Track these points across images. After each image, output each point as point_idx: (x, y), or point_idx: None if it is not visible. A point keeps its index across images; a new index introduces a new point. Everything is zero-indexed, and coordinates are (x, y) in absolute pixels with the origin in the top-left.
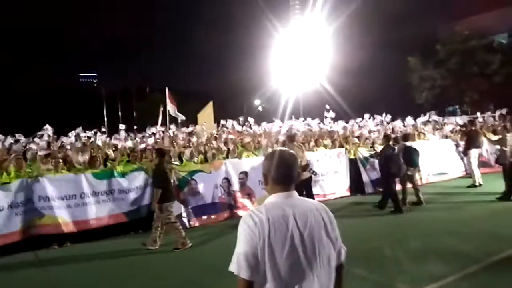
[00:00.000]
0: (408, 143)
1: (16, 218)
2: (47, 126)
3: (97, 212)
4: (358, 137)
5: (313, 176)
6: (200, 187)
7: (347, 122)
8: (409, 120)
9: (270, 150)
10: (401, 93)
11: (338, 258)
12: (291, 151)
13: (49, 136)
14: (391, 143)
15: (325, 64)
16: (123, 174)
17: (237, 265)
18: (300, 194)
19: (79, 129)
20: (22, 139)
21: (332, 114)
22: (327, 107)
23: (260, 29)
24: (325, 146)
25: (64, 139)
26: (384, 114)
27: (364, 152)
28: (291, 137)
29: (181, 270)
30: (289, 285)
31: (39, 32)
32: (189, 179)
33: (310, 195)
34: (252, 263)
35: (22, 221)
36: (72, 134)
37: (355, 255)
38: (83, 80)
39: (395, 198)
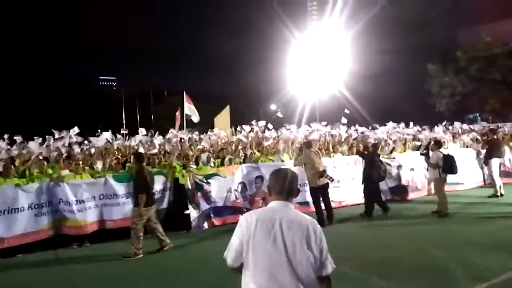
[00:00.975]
0: (443, 150)
1: (36, 218)
2: (75, 128)
3: (117, 214)
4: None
5: (330, 182)
6: (215, 191)
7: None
8: (437, 128)
9: (286, 155)
10: (420, 100)
11: (320, 269)
12: (293, 169)
13: (70, 137)
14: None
15: (343, 70)
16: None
17: (227, 252)
18: (317, 200)
19: (107, 133)
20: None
21: (344, 120)
22: (347, 111)
23: (277, 34)
24: (342, 152)
25: (87, 141)
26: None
27: (382, 159)
28: (308, 143)
29: (195, 272)
30: (266, 271)
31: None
32: (205, 182)
33: (327, 201)
34: (237, 253)
35: (43, 221)
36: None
37: (371, 263)
38: (103, 83)
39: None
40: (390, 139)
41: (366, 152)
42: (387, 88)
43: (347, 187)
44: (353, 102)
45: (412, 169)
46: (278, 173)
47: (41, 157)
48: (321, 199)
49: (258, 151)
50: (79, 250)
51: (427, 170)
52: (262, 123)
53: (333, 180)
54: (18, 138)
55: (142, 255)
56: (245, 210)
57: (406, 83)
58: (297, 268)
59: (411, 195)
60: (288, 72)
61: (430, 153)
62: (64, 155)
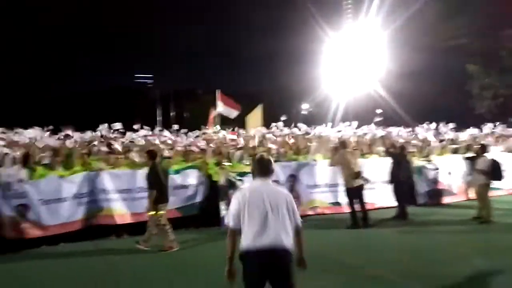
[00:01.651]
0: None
1: (78, 208)
2: (117, 123)
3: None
4: (413, 145)
5: (365, 183)
6: None
7: (401, 128)
8: (472, 130)
9: (319, 154)
10: (459, 101)
11: (294, 222)
12: (268, 155)
13: (111, 132)
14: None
15: (379, 68)
16: (177, 172)
17: (228, 218)
18: (351, 201)
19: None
20: (88, 134)
21: (378, 119)
22: (379, 111)
23: (311, 33)
24: (378, 153)
25: (127, 136)
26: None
27: (419, 161)
28: (343, 143)
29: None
30: (258, 221)
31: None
32: (238, 179)
33: (362, 203)
34: (236, 217)
35: (84, 211)
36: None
37: (412, 270)
38: (139, 81)
39: None
40: (429, 141)
41: (393, 152)
42: (425, 87)
43: (381, 189)
44: (389, 101)
45: (449, 173)
46: (261, 159)
47: (83, 150)
48: (355, 200)
49: (291, 149)
50: (117, 242)
51: (470, 175)
52: (280, 124)
53: (369, 181)
54: (65, 132)
55: (177, 248)
56: None
57: (445, 82)
58: (280, 219)
59: (447, 200)
60: (322, 71)
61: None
62: (106, 149)
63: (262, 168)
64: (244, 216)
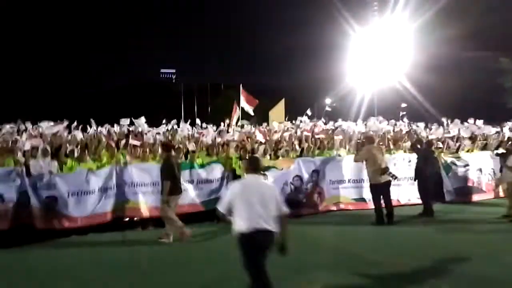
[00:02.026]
0: None
1: (106, 200)
2: (142, 118)
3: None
4: (442, 141)
5: (392, 180)
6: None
7: (428, 124)
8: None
9: (343, 150)
10: (490, 95)
11: (280, 210)
12: (258, 156)
13: (138, 126)
14: None
15: (406, 62)
16: (202, 166)
17: (221, 204)
18: (376, 197)
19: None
20: (115, 127)
21: (404, 114)
22: (403, 105)
23: (335, 28)
24: (404, 149)
25: (154, 131)
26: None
27: (447, 158)
28: (369, 139)
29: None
30: (250, 208)
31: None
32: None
33: (388, 199)
34: (227, 205)
35: (111, 203)
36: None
37: (439, 269)
38: (163, 76)
39: None
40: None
41: (420, 147)
42: (453, 80)
43: (407, 185)
44: (416, 95)
45: (479, 170)
46: (252, 159)
47: (111, 144)
48: (381, 197)
49: (315, 144)
50: (144, 233)
51: (501, 171)
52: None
53: (396, 177)
54: (92, 126)
55: (188, 232)
56: (301, 203)
57: (474, 76)
58: (266, 208)
59: (476, 197)
60: (346, 66)
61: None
62: (133, 142)
63: (253, 166)
64: (237, 204)
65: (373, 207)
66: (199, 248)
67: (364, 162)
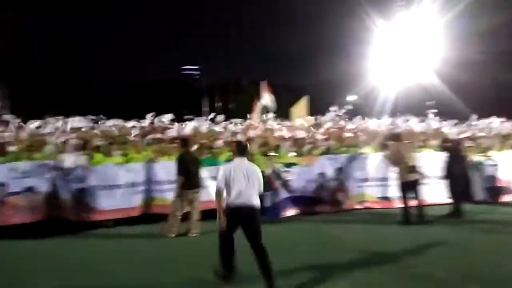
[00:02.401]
0: None
1: (133, 196)
2: (169, 115)
3: (203, 196)
4: (472, 139)
5: (421, 178)
6: (294, 180)
7: (459, 121)
8: None
9: (368, 147)
10: None
11: (259, 189)
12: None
13: (162, 122)
14: None
15: (434, 57)
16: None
17: (216, 182)
18: (404, 196)
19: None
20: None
21: (432, 111)
22: (431, 102)
23: (358, 23)
24: (431, 147)
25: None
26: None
27: (477, 157)
28: (398, 136)
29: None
30: (237, 190)
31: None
32: (284, 171)
33: (418, 198)
34: (221, 183)
35: (139, 199)
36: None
37: (464, 270)
38: (186, 73)
39: None
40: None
41: (448, 146)
42: (485, 77)
43: (435, 185)
44: (445, 92)
45: (510, 169)
46: (239, 144)
47: (137, 139)
48: (409, 196)
49: (339, 142)
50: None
51: None
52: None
53: (424, 176)
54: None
55: (173, 235)
56: (324, 201)
57: (508, 72)
58: (251, 186)
59: (506, 198)
60: (370, 62)
61: None
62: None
63: (240, 150)
64: (229, 183)
65: (399, 206)
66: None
67: (392, 160)
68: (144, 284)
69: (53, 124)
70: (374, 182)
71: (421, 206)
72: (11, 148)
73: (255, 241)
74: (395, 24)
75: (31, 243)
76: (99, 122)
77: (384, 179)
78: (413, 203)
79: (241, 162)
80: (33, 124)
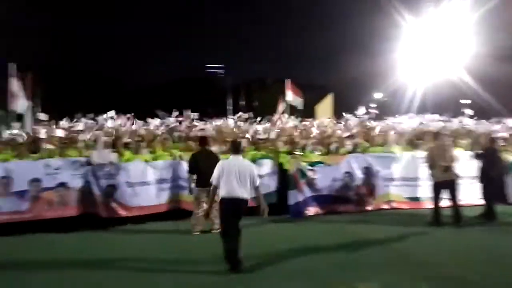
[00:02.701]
0: None
1: (161, 192)
2: (195, 113)
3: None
4: (506, 139)
5: (456, 178)
6: (320, 179)
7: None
8: None
9: (396, 146)
10: None
11: (254, 183)
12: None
13: (190, 120)
14: None
15: (465, 53)
16: (252, 161)
17: (213, 178)
18: (436, 197)
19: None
20: (167, 121)
21: (468, 111)
22: (466, 101)
23: (385, 19)
24: (463, 147)
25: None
26: None
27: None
28: (435, 135)
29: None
30: (230, 184)
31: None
32: (310, 169)
33: (453, 199)
34: (216, 179)
35: (165, 195)
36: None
37: (495, 274)
38: (210, 71)
39: None
40: None
41: (482, 146)
42: None
43: (467, 185)
44: (477, 89)
45: None
46: (234, 142)
47: (164, 137)
48: (443, 196)
49: (366, 141)
50: None
51: None
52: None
53: (459, 176)
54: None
55: (198, 233)
56: (351, 200)
57: None
58: (243, 182)
59: None
60: (397, 59)
61: None
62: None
63: (235, 148)
64: (223, 178)
65: (429, 206)
66: (250, 239)
67: (429, 159)
68: (166, 280)
69: (84, 122)
70: (402, 182)
71: (457, 207)
72: (46, 146)
73: (236, 225)
74: (425, 20)
75: (61, 237)
76: (128, 121)
77: (413, 179)
78: (445, 204)
79: (236, 160)
80: (66, 123)
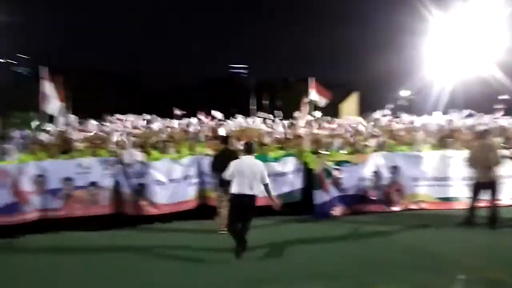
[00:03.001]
0: None
1: (187, 189)
2: (219, 113)
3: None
4: None
5: (497, 179)
6: (346, 178)
7: None
8: None
9: (425, 145)
10: None
11: (264, 180)
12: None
13: (214, 120)
14: None
15: (497, 49)
16: (276, 159)
17: (226, 174)
18: (474, 197)
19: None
20: (192, 121)
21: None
22: (505, 97)
23: (412, 13)
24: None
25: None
26: None
27: None
28: (482, 134)
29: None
30: (241, 182)
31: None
32: (335, 168)
33: (492, 200)
34: (230, 175)
35: (192, 192)
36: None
37: None
38: (234, 71)
39: None
40: None
41: None
42: None
43: (506, 185)
44: (510, 85)
45: None
46: (247, 144)
47: (190, 137)
48: (481, 197)
49: (393, 139)
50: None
51: None
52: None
53: (501, 177)
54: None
55: (223, 232)
56: (378, 200)
57: None
58: (252, 179)
59: None
60: (424, 54)
61: None
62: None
63: (248, 149)
64: (235, 174)
65: (459, 207)
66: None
67: (472, 159)
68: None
69: (114, 122)
70: (432, 182)
71: (494, 208)
72: (77, 145)
73: (246, 220)
74: (453, 13)
75: (91, 235)
76: (155, 121)
77: (444, 178)
78: (482, 204)
79: (247, 159)
80: (95, 123)
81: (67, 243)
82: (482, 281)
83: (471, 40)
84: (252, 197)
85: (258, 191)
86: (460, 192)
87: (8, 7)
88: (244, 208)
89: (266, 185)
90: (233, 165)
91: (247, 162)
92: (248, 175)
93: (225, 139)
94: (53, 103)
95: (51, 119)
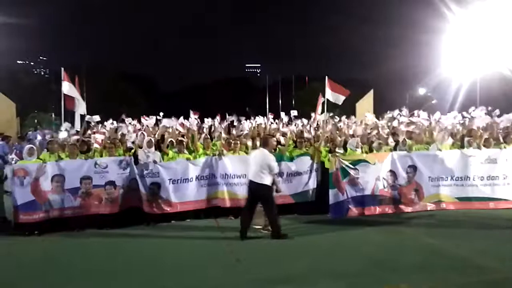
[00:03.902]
0: None
1: (201, 188)
2: (233, 114)
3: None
4: None
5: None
6: (362, 178)
7: None
8: None
9: (445, 144)
10: None
11: (272, 171)
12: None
13: (229, 120)
14: None
15: None
16: (291, 159)
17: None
18: None
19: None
20: (209, 121)
21: None
22: None
23: (431, 11)
24: None
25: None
26: None
27: None
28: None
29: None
30: (252, 170)
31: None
32: (352, 168)
33: None
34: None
35: (207, 192)
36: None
37: None
38: (248, 70)
39: None
40: None
41: None
42: None
43: None
44: None
45: None
46: (264, 138)
47: (205, 137)
48: None
49: (410, 138)
50: (235, 221)
51: None
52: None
53: None
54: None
55: (259, 227)
56: (395, 200)
57: None
58: (260, 168)
59: None
60: (441, 52)
61: None
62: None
63: (263, 142)
64: (250, 164)
65: (483, 207)
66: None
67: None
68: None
69: (130, 123)
70: (452, 182)
71: None
72: (95, 145)
73: (251, 203)
74: (472, 10)
75: (108, 233)
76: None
77: (464, 178)
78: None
79: (259, 151)
80: (112, 123)
81: (84, 241)
82: (498, 283)
83: (490, 38)
84: (258, 185)
85: (267, 180)
86: (480, 192)
87: (29, 10)
88: (252, 194)
89: (273, 175)
90: (250, 156)
91: (258, 153)
92: (257, 164)
93: (264, 141)
94: (81, 104)
95: (71, 119)
